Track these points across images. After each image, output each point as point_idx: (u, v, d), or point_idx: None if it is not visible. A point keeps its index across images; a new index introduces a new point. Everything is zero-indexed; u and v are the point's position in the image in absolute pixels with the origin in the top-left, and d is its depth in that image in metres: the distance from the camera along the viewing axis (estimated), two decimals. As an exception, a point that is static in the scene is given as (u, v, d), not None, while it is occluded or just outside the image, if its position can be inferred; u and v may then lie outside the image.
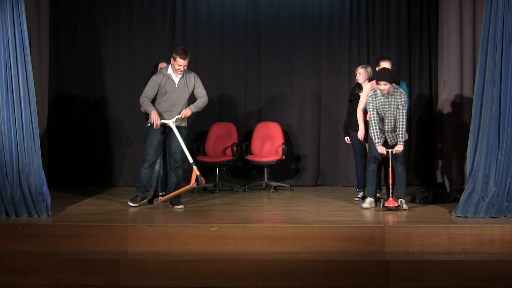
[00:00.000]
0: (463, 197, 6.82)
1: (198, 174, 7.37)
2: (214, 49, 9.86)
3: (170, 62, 7.39)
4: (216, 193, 8.87)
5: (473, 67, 7.77)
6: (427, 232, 6.18)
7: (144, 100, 7.36)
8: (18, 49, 6.85)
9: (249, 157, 9.33)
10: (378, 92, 7.13)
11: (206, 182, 9.50)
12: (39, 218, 6.71)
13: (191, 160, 7.44)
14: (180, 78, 7.41)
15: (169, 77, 7.39)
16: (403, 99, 7.09)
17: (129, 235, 6.19)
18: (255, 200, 8.28)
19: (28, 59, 6.89)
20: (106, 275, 5.88)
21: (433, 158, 9.53)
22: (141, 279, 5.87)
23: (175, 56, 7.32)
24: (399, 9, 9.73)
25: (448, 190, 8.08)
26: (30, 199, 6.76)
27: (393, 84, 7.13)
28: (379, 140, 7.15)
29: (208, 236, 6.19)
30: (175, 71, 7.38)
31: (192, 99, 7.55)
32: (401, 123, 7.09)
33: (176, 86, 7.39)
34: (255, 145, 9.57)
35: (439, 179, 8.65)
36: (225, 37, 9.87)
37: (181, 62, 7.31)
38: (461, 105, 8.04)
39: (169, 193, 7.47)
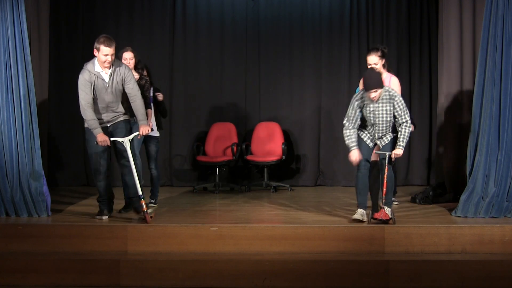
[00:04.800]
0: (463, 197, 6.82)
1: (144, 210, 6.33)
2: (214, 49, 9.86)
3: (95, 56, 6.35)
4: (216, 193, 8.87)
5: (473, 67, 7.77)
6: (427, 232, 6.18)
7: (87, 116, 6.30)
8: (18, 49, 6.86)
9: (249, 157, 9.32)
10: (366, 96, 6.36)
11: (206, 182, 9.53)
12: (39, 218, 6.71)
13: (140, 192, 6.41)
14: (111, 74, 6.35)
15: (97, 75, 6.31)
16: (399, 103, 6.32)
17: (129, 235, 6.19)
18: (255, 200, 8.27)
19: (28, 59, 6.89)
20: (106, 275, 5.89)
21: (433, 158, 9.53)
22: (141, 279, 5.87)
23: (97, 46, 6.24)
24: (399, 9, 9.73)
25: (448, 190, 8.08)
26: (30, 199, 6.77)
27: (385, 86, 6.37)
28: (354, 145, 6.37)
29: (208, 236, 6.19)
30: (102, 65, 6.29)
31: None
32: (404, 128, 6.31)
33: (107, 84, 6.35)
34: (255, 145, 9.56)
35: (439, 179, 8.64)
36: (225, 37, 9.87)
37: (106, 51, 6.23)
38: (461, 105, 8.04)
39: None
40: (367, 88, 6.26)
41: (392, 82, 6.73)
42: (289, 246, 6.16)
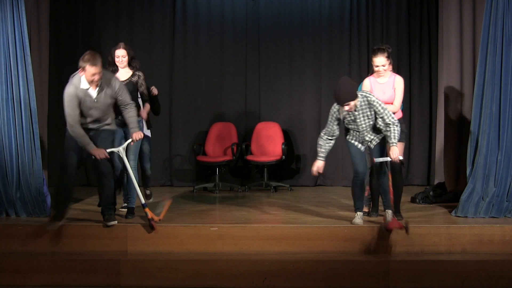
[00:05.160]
0: (463, 197, 6.82)
1: (150, 218, 6.19)
2: (214, 49, 9.86)
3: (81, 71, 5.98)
4: (216, 193, 8.87)
5: (473, 67, 7.77)
6: (427, 232, 6.18)
7: (76, 134, 6.02)
8: (18, 49, 6.86)
9: (249, 157, 9.32)
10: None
11: (206, 182, 9.53)
12: (39, 218, 6.71)
13: (142, 201, 6.29)
14: (99, 90, 6.03)
15: (85, 92, 5.99)
16: (378, 106, 6.12)
17: (129, 235, 6.20)
18: (255, 200, 8.27)
19: (28, 59, 6.90)
20: (106, 275, 5.89)
21: (433, 158, 9.53)
22: (141, 279, 5.87)
23: (83, 65, 5.86)
24: (399, 9, 9.73)
25: (448, 190, 8.08)
26: (30, 199, 6.77)
27: (361, 93, 6.17)
28: (321, 156, 6.31)
29: (208, 236, 6.19)
30: (90, 83, 5.98)
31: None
32: (392, 127, 6.08)
33: (95, 100, 6.04)
34: (255, 145, 9.56)
35: (439, 179, 8.65)
36: (225, 37, 9.87)
37: (93, 70, 5.84)
38: (461, 105, 8.04)
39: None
40: (338, 103, 6.13)
41: (396, 81, 6.62)
42: (289, 246, 6.16)
